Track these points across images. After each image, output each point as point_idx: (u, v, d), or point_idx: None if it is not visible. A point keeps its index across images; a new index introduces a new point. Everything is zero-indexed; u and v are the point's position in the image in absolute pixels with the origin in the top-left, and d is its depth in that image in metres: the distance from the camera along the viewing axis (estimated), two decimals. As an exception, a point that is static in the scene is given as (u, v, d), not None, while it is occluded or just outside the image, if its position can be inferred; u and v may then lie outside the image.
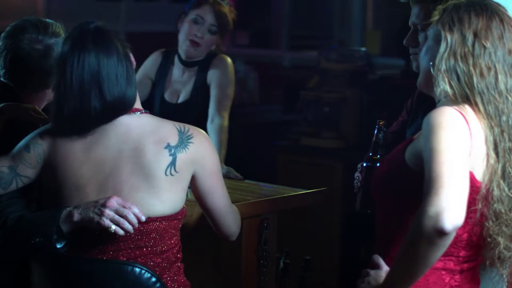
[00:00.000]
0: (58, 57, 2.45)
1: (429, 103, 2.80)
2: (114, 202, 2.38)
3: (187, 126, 2.50)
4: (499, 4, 2.25)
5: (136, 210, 2.39)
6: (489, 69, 2.17)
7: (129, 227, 2.38)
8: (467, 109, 2.17)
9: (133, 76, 2.48)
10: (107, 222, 2.37)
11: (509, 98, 2.17)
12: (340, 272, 4.98)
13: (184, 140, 2.47)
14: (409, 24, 2.84)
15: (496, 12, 2.21)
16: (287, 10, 7.53)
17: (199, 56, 3.98)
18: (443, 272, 2.20)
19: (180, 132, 2.47)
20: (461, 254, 2.20)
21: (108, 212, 2.37)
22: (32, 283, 2.57)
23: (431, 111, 2.15)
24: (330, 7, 7.25)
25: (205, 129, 3.83)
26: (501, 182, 2.15)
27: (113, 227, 2.37)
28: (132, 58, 2.50)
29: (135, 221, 2.38)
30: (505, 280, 2.31)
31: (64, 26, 2.84)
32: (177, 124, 2.49)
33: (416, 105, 2.92)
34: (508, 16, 2.23)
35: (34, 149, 2.48)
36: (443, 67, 2.18)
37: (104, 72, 2.40)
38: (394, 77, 5.45)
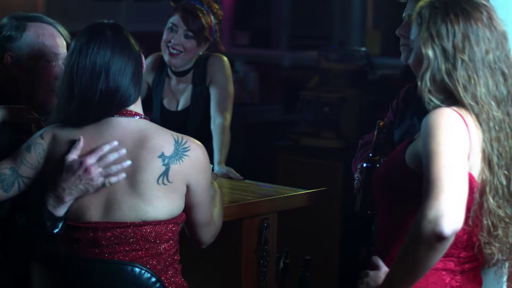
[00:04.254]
0: (73, 45, 2.48)
1: (415, 104, 2.82)
2: (91, 163, 2.39)
3: (186, 137, 2.48)
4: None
5: (107, 147, 2.41)
6: (470, 79, 2.16)
7: (118, 168, 2.40)
8: (466, 111, 2.17)
9: (140, 77, 2.49)
10: (100, 181, 2.41)
11: (492, 103, 2.16)
12: (340, 272, 4.97)
13: (179, 152, 2.45)
14: (403, 16, 2.84)
15: (470, 13, 2.18)
16: (287, 10, 7.53)
17: (184, 64, 3.96)
18: (444, 273, 2.19)
19: (177, 143, 2.45)
20: (461, 255, 2.20)
21: (94, 175, 2.40)
22: (32, 283, 2.57)
23: (430, 112, 2.14)
24: (330, 7, 7.25)
25: (210, 132, 3.84)
26: (490, 197, 2.15)
27: (106, 181, 2.41)
28: (144, 62, 2.53)
29: (116, 156, 2.40)
30: (505, 280, 2.32)
31: (64, 26, 2.85)
32: (175, 134, 2.47)
33: (402, 106, 2.92)
34: (486, 10, 2.20)
35: (35, 149, 2.49)
36: (431, 85, 2.17)
37: (115, 59, 2.43)
38: (394, 77, 5.45)
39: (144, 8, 7.11)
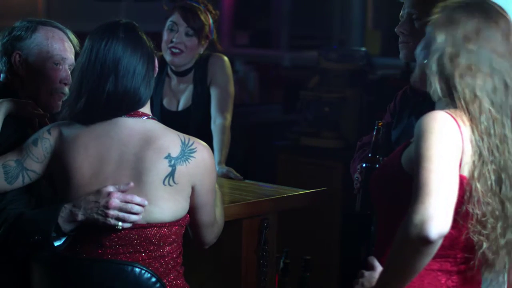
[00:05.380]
0: (86, 43, 2.48)
1: (413, 104, 2.82)
2: (116, 201, 2.38)
3: (192, 139, 2.48)
4: (498, 7, 2.23)
5: (138, 199, 2.39)
6: (468, 69, 2.15)
7: (135, 218, 2.39)
8: (460, 112, 2.16)
9: (151, 79, 2.48)
10: (113, 222, 2.39)
11: (486, 97, 2.15)
12: (340, 272, 4.97)
13: (186, 153, 2.44)
14: (401, 15, 2.85)
15: (490, 15, 2.19)
16: (287, 10, 7.53)
17: (186, 63, 3.96)
18: (439, 273, 2.19)
19: (183, 144, 2.45)
20: (458, 256, 2.20)
21: (112, 213, 2.38)
22: (32, 283, 2.57)
23: (423, 115, 2.13)
24: (330, 7, 7.25)
25: (210, 132, 3.85)
26: (477, 184, 2.13)
27: (120, 224, 2.39)
28: (156, 64, 2.52)
29: (140, 210, 2.39)
30: (505, 280, 2.31)
31: (64, 26, 2.87)
32: (182, 135, 2.47)
33: (399, 107, 2.93)
34: (505, 18, 2.21)
35: (42, 143, 2.50)
36: (434, 68, 2.18)
37: (124, 62, 2.42)
38: (394, 77, 5.45)
39: (144, 8, 7.11)
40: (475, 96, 2.15)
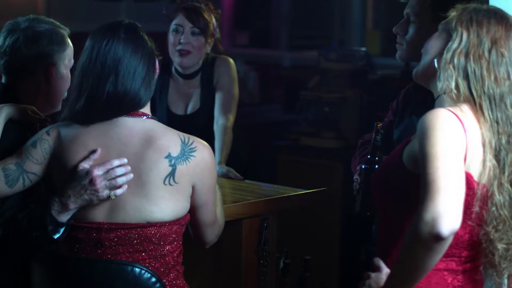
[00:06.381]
0: (87, 43, 2.47)
1: (415, 103, 2.83)
2: (98, 173, 2.40)
3: (192, 138, 2.48)
4: None
5: (116, 162, 2.40)
6: (504, 79, 2.15)
7: (123, 180, 2.40)
8: (465, 109, 2.16)
9: (152, 80, 2.48)
10: (105, 193, 2.40)
11: (496, 97, 2.15)
12: (340, 272, 4.98)
13: (186, 152, 2.44)
14: (404, 14, 2.86)
15: None
16: (287, 10, 7.53)
17: (194, 64, 3.97)
18: (445, 273, 2.19)
19: (183, 143, 2.45)
20: (463, 254, 2.20)
21: (99, 186, 2.39)
22: (32, 283, 2.57)
23: (425, 113, 2.13)
24: (330, 7, 7.25)
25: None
26: (504, 188, 2.13)
27: (112, 193, 2.40)
28: (157, 66, 2.51)
29: (123, 170, 2.40)
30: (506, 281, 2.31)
31: (64, 26, 2.86)
32: (182, 134, 2.47)
33: (401, 106, 2.93)
34: None
35: (41, 145, 2.50)
36: (452, 62, 2.17)
37: (125, 63, 2.42)
38: (394, 77, 5.45)
39: (144, 8, 7.11)
40: (487, 91, 2.14)
